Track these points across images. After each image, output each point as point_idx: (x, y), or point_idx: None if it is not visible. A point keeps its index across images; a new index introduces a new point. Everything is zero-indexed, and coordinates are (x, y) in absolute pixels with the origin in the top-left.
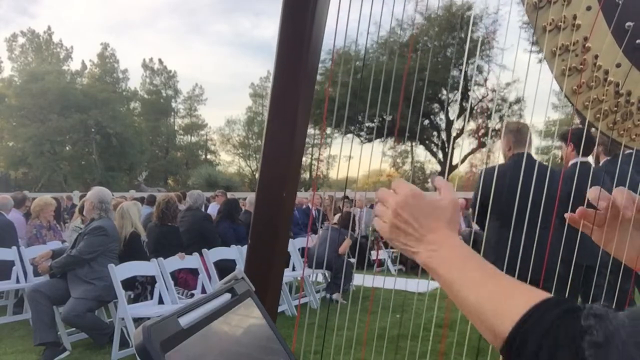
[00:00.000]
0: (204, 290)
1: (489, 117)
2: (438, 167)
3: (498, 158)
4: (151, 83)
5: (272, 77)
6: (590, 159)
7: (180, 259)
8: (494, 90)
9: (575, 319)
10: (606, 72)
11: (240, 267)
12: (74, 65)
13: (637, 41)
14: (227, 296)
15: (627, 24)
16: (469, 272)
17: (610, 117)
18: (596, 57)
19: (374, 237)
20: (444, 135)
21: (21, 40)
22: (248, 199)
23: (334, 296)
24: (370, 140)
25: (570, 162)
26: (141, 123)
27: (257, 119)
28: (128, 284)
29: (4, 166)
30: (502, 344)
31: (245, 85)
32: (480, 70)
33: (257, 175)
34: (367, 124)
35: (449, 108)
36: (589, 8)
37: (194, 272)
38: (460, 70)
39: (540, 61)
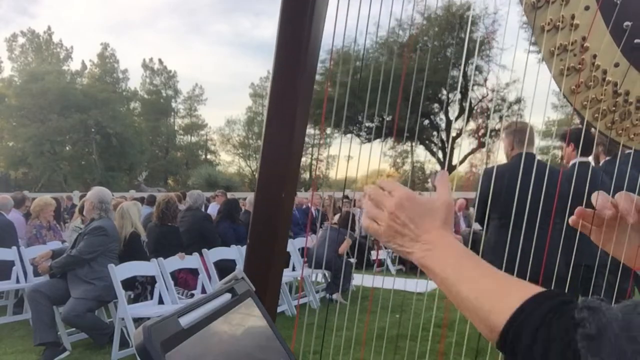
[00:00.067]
0: (204, 290)
1: (488, 117)
2: (438, 167)
3: (498, 158)
4: (151, 83)
5: (271, 79)
6: (591, 159)
7: (180, 259)
8: (493, 90)
9: (568, 312)
10: (604, 72)
11: (240, 267)
12: (74, 65)
13: (636, 41)
14: (227, 296)
15: (626, 23)
16: (464, 270)
17: (608, 117)
18: (594, 56)
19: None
20: (443, 135)
21: (21, 40)
22: (248, 199)
23: (334, 296)
24: (370, 140)
25: (571, 162)
26: (141, 123)
27: (257, 119)
28: (128, 284)
29: (4, 166)
30: (498, 338)
31: (245, 85)
32: (479, 70)
33: (256, 176)
34: (366, 124)
35: (448, 108)
36: (587, 8)
37: (194, 272)
38: (460, 71)
39: (539, 61)
